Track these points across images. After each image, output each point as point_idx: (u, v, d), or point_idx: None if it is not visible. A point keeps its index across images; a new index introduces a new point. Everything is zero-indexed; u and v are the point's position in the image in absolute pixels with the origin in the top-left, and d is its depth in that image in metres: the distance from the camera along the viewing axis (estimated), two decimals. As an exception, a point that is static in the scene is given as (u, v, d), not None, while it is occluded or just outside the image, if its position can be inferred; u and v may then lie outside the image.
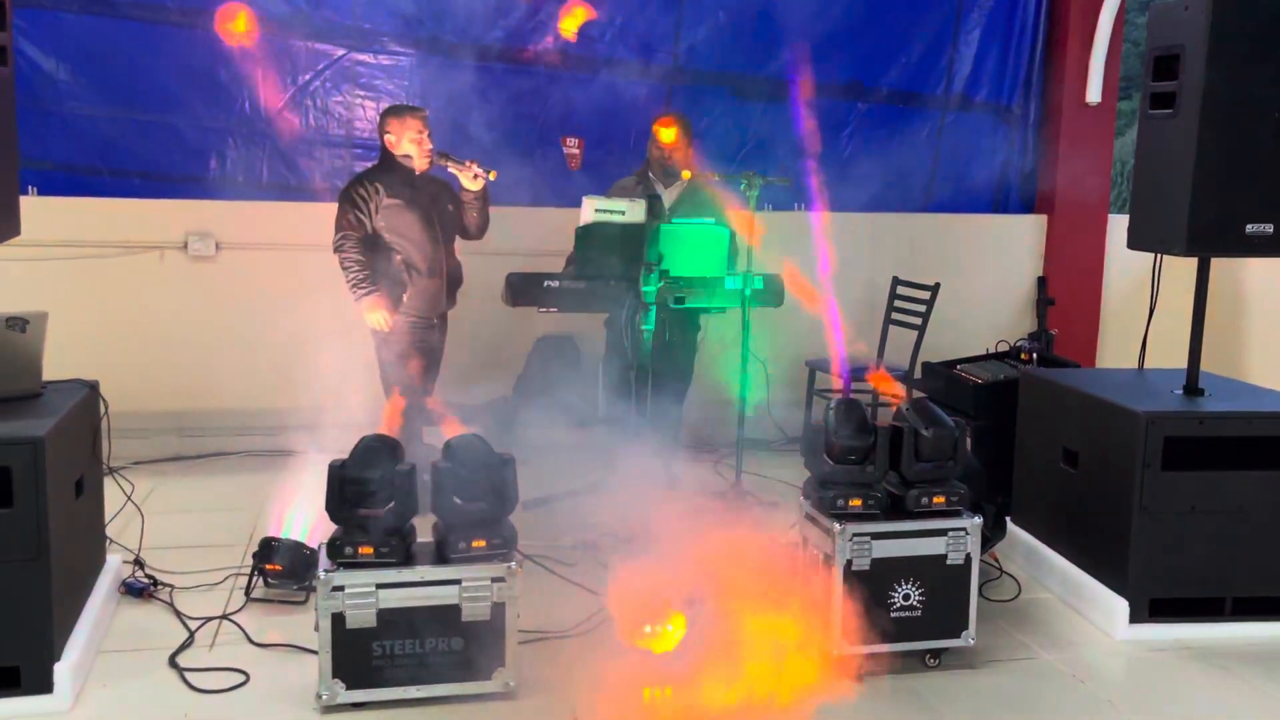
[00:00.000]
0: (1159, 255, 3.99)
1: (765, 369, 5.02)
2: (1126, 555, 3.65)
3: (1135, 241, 3.95)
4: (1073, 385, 4.06)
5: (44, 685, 3.00)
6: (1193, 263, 3.91)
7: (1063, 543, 4.07)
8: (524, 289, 4.54)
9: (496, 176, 4.72)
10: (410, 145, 4.70)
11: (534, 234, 5.51)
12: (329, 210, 4.84)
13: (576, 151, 5.71)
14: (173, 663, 3.31)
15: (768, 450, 5.79)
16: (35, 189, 5.35)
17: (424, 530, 3.25)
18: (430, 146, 4.72)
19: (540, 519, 4.48)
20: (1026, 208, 6.77)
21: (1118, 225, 6.59)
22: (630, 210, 4.54)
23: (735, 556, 4.07)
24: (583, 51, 5.99)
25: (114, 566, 3.78)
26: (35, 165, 5.35)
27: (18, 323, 3.29)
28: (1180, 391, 3.91)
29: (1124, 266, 6.52)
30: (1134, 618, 3.66)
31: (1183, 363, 3.97)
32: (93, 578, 3.58)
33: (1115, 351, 6.57)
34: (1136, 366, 4.33)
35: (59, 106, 5.43)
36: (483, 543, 3.13)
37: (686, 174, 4.98)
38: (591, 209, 4.55)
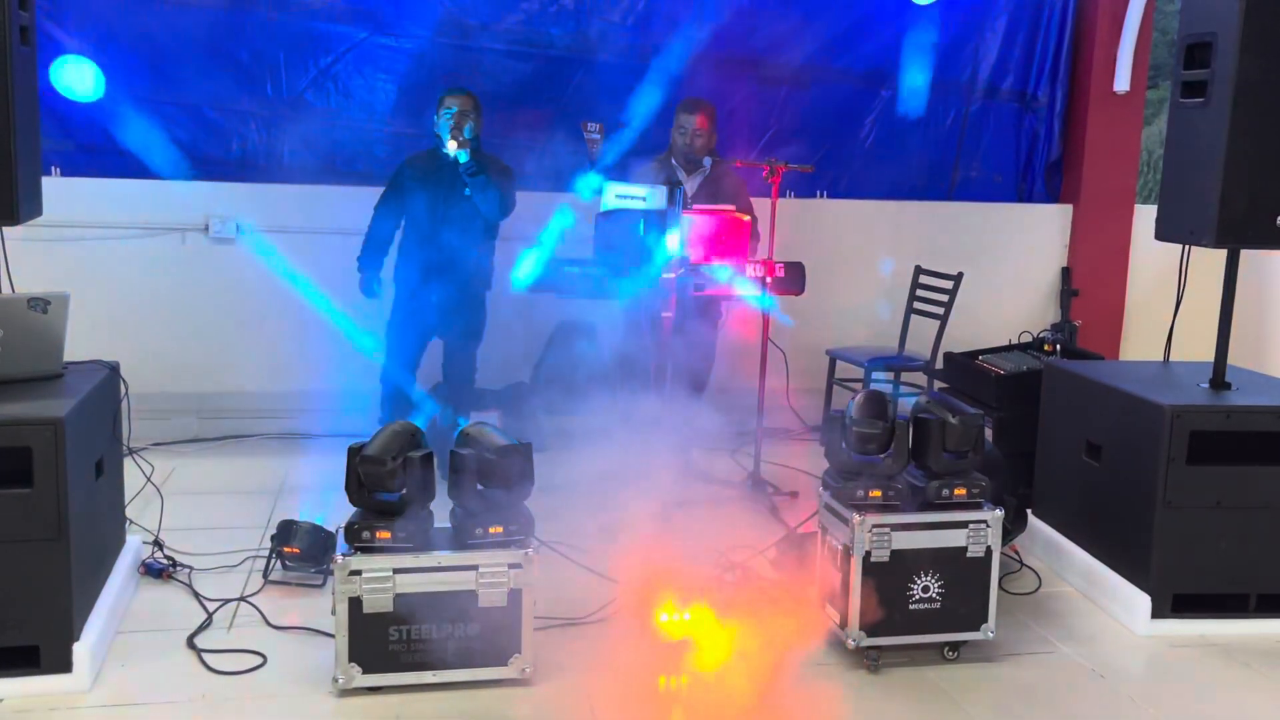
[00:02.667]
0: (1187, 247, 3.94)
1: (785, 357, 5.00)
2: (1149, 550, 3.62)
3: (1164, 232, 3.90)
4: (1097, 377, 4.02)
5: (63, 665, 3.01)
6: (1219, 254, 3.85)
7: (1084, 536, 4.03)
8: (544, 274, 4.52)
9: (454, 149, 4.69)
10: (442, 124, 4.75)
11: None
12: (350, 193, 4.85)
13: (597, 137, 5.67)
14: (191, 644, 3.32)
15: (787, 439, 5.76)
16: (58, 169, 5.37)
17: (441, 515, 3.24)
18: (454, 125, 4.73)
19: (557, 506, 4.47)
20: (1051, 197, 6.70)
21: (1144, 216, 6.52)
22: (651, 196, 4.51)
23: (752, 545, 4.06)
24: (604, 35, 5.96)
25: (134, 547, 3.80)
26: (58, 145, 5.36)
27: (39, 304, 3.29)
28: (1206, 385, 3.86)
29: (1150, 257, 6.44)
30: (1156, 613, 3.62)
31: (1209, 356, 3.92)
32: (112, 558, 3.59)
33: (1140, 344, 6.51)
34: (1162, 359, 4.28)
35: (82, 87, 5.45)
36: (500, 529, 3.12)
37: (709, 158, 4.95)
38: (612, 195, 4.53)
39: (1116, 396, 3.84)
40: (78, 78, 5.23)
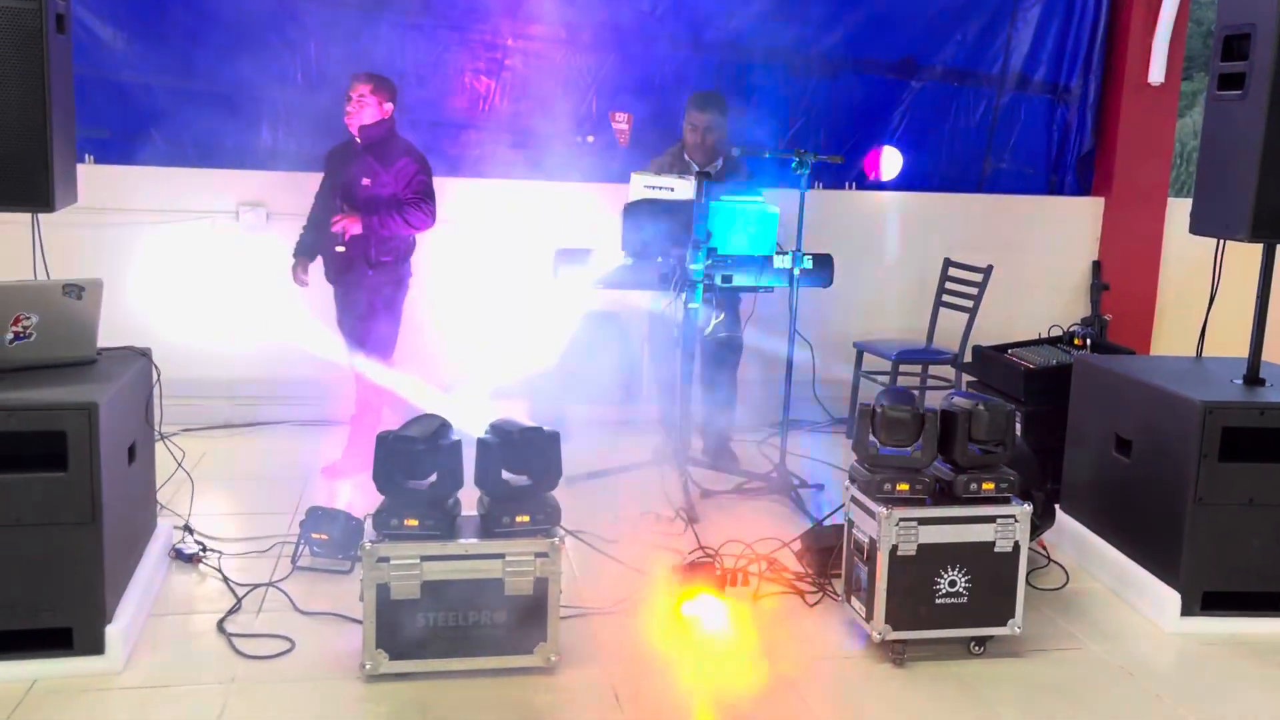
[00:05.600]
0: (1221, 241, 3.89)
1: (812, 349, 4.98)
2: (1180, 546, 3.58)
3: (1198, 226, 3.85)
4: (1128, 372, 3.98)
5: (96, 647, 3.06)
6: (1254, 249, 3.81)
7: (1113, 532, 4.00)
8: (570, 264, 4.52)
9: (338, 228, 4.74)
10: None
11: (582, 210, 5.49)
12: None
13: (625, 127, 5.67)
14: (220, 628, 3.36)
15: (813, 431, 5.75)
16: (91, 157, 5.42)
17: (469, 504, 3.26)
18: (350, 111, 4.74)
19: (583, 495, 4.49)
20: (1083, 190, 6.64)
21: (1177, 209, 6.44)
22: (679, 187, 4.50)
23: (778, 537, 4.06)
24: (633, 26, 5.94)
25: (165, 532, 3.84)
26: (92, 133, 5.40)
27: (74, 290, 3.33)
28: (1240, 381, 3.82)
29: (1182, 251, 6.37)
30: (1186, 610, 3.59)
31: (1242, 352, 3.88)
32: (144, 542, 3.63)
33: (1171, 339, 6.44)
34: (1193, 354, 4.24)
35: (116, 75, 5.49)
36: (527, 518, 3.13)
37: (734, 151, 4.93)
38: (640, 185, 4.53)
39: (1148, 392, 3.80)
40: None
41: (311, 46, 5.64)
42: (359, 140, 4.78)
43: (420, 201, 4.76)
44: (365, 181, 4.74)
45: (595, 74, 5.91)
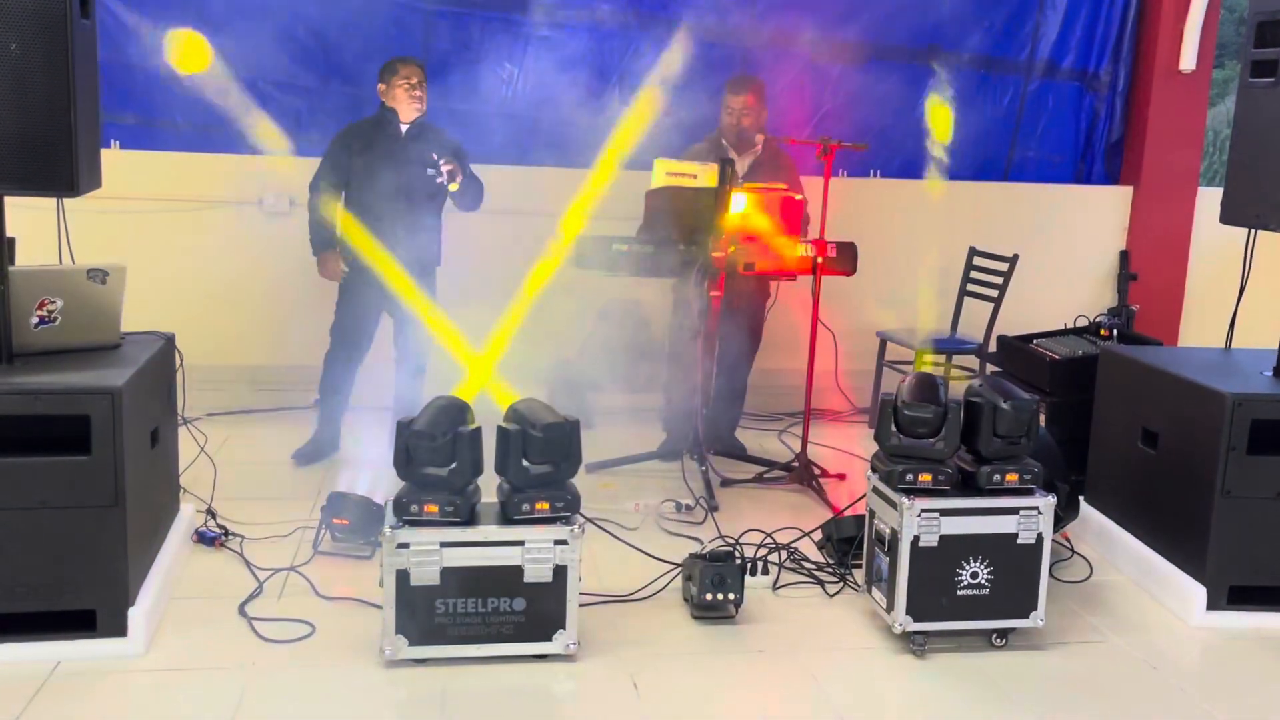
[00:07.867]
0: (1252, 231, 3.84)
1: (835, 338, 4.95)
2: (1206, 540, 3.54)
3: (1229, 216, 3.80)
4: (1155, 364, 3.94)
5: (119, 629, 3.08)
6: (1287, 239, 3.76)
7: (1138, 525, 3.96)
8: (592, 252, 4.51)
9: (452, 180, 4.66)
10: (399, 94, 4.67)
11: (603, 197, 5.47)
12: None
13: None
14: (242, 611, 3.38)
15: (836, 421, 5.72)
16: (117, 142, 5.45)
17: (489, 491, 3.26)
18: (418, 96, 4.67)
19: (603, 482, 4.49)
20: (1111, 179, 6.56)
21: (1207, 198, 6.37)
22: (702, 174, 4.48)
23: (799, 527, 4.05)
24: (658, 11, 5.92)
25: (187, 515, 3.86)
26: (117, 119, 5.43)
27: (98, 274, 3.35)
28: (1269, 373, 3.76)
29: (1212, 241, 6.29)
30: (1211, 604, 3.55)
31: (1272, 343, 3.82)
32: (167, 526, 3.66)
33: (1199, 330, 6.37)
34: (1222, 346, 4.18)
35: (142, 61, 5.51)
36: (546, 505, 3.13)
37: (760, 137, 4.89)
38: (663, 172, 4.50)
39: (1175, 383, 3.76)
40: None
41: (335, 33, 5.64)
42: (405, 127, 4.68)
43: (473, 180, 4.73)
44: (441, 179, 4.64)
45: (619, 61, 5.89)
